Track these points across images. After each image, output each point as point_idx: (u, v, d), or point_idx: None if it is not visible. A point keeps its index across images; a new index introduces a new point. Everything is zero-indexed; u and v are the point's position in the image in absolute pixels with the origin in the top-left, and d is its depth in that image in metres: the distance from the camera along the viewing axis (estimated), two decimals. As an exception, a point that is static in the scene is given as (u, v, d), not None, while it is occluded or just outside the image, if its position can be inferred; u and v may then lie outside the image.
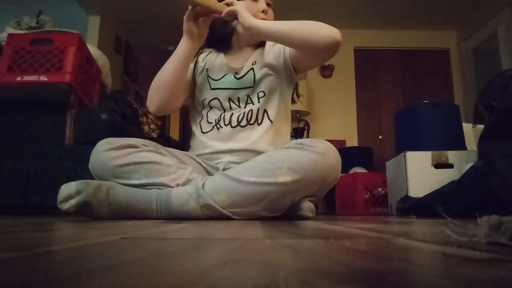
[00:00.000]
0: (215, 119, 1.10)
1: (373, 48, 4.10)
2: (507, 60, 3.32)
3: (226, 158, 1.06)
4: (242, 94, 1.10)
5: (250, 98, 1.10)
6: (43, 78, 1.53)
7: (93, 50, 1.89)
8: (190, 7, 0.98)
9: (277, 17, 1.14)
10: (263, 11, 1.08)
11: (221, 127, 1.09)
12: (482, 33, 3.68)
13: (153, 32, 4.13)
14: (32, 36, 1.65)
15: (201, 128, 1.13)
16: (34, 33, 1.87)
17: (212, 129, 1.10)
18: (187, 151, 1.15)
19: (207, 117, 1.12)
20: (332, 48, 0.95)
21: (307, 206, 0.94)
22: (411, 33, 4.08)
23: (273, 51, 1.13)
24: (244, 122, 1.08)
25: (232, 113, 1.09)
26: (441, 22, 3.94)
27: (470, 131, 2.00)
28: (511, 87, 1.05)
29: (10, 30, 1.96)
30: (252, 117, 1.08)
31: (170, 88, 1.04)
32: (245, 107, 1.10)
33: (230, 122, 1.08)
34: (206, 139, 1.10)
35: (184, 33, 1.01)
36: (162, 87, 1.04)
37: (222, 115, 1.10)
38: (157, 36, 4.15)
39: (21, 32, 1.93)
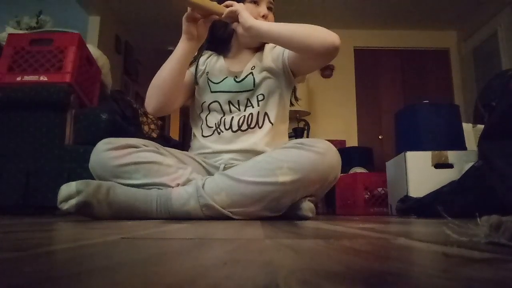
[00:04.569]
0: (215, 123, 1.10)
1: (373, 48, 4.10)
2: (507, 60, 3.32)
3: (226, 156, 1.06)
4: (242, 97, 1.10)
5: (250, 101, 1.10)
6: (43, 78, 1.53)
7: (93, 50, 1.89)
8: (189, 8, 0.98)
9: (277, 16, 1.14)
10: (263, 16, 1.08)
11: (222, 132, 1.09)
12: (482, 33, 3.68)
13: (153, 32, 4.13)
14: (32, 36, 1.65)
15: (202, 132, 1.13)
16: (34, 33, 1.87)
17: (213, 133, 1.10)
18: (187, 151, 1.15)
19: (206, 121, 1.12)
20: (330, 52, 0.96)
21: (307, 206, 0.94)
22: (411, 33, 4.08)
23: (272, 55, 1.13)
24: (244, 126, 1.08)
25: (232, 117, 1.09)
26: (441, 22, 3.94)
27: (470, 131, 2.00)
28: (511, 86, 1.05)
29: (10, 30, 1.96)
30: (252, 121, 1.08)
31: (168, 89, 1.04)
32: (245, 110, 1.10)
33: (231, 126, 1.08)
34: (206, 142, 1.10)
35: (183, 34, 1.01)
36: (160, 88, 1.04)
37: (222, 118, 1.10)
38: (157, 36, 4.15)
39: (21, 32, 1.92)
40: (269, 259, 0.25)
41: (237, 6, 0.98)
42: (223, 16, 0.98)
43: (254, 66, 1.11)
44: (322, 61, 1.03)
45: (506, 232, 0.30)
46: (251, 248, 0.32)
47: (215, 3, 0.99)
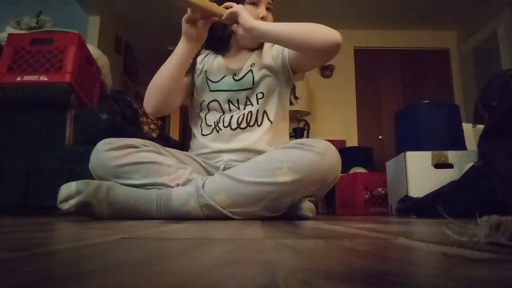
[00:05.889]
0: (214, 121, 1.10)
1: (373, 48, 4.10)
2: (507, 60, 3.32)
3: (226, 156, 1.06)
4: (241, 95, 1.10)
5: (249, 100, 1.10)
6: (43, 78, 1.53)
7: (93, 50, 1.89)
8: (189, 9, 0.97)
9: (276, 17, 1.14)
10: (262, 17, 1.08)
11: (221, 129, 1.09)
12: (482, 33, 3.68)
13: (153, 32, 4.13)
14: (32, 36, 1.65)
15: (201, 131, 1.13)
16: (34, 33, 1.87)
17: (212, 132, 1.10)
18: (187, 151, 1.15)
19: (205, 119, 1.12)
20: (332, 50, 0.96)
21: (307, 206, 0.93)
22: (411, 33, 4.08)
23: (271, 53, 1.13)
24: (244, 124, 1.08)
25: (232, 115, 1.09)
26: (441, 22, 3.94)
27: (470, 131, 2.00)
28: (511, 86, 1.05)
29: (10, 30, 1.96)
30: (251, 119, 1.08)
31: (168, 90, 1.04)
32: (244, 109, 1.10)
33: (230, 124, 1.08)
34: (206, 141, 1.10)
35: (182, 35, 1.01)
36: (159, 88, 1.04)
37: (222, 117, 1.09)
38: (157, 36, 4.15)
39: (21, 32, 1.92)
40: (269, 259, 0.25)
41: (237, 8, 0.98)
42: (223, 17, 0.97)
43: (253, 64, 1.11)
44: (323, 59, 1.03)
45: (506, 232, 0.30)
46: (251, 248, 0.32)
47: (215, 4, 0.98)
